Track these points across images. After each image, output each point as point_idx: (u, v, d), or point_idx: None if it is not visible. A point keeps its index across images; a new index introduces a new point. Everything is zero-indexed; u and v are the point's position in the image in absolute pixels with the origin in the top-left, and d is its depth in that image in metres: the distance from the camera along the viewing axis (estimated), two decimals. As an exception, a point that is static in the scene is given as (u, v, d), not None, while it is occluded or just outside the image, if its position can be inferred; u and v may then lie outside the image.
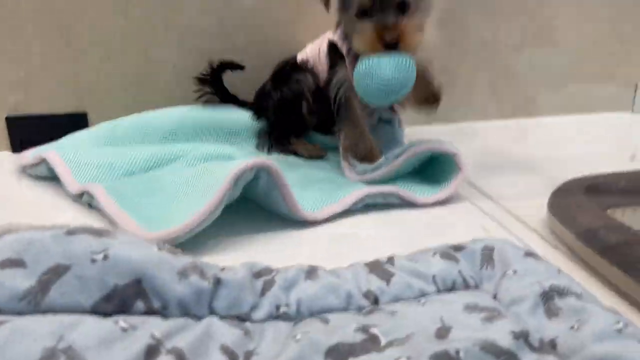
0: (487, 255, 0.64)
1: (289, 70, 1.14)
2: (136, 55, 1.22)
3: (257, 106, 1.18)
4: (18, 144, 1.16)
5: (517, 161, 1.17)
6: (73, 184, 0.89)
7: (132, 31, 1.21)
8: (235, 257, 0.66)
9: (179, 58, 1.25)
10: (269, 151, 1.13)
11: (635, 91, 1.50)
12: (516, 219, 0.88)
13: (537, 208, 0.87)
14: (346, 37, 0.98)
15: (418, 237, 0.81)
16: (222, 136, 1.15)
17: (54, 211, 0.88)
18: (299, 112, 1.11)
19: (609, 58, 1.48)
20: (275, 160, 0.99)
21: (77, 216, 0.85)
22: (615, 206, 0.82)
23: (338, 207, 0.86)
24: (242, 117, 1.18)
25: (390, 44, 0.85)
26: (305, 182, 0.92)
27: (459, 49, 1.38)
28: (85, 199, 0.87)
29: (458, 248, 0.65)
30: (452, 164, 0.92)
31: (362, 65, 0.86)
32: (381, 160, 0.94)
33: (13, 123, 1.18)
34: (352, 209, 0.87)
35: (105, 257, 0.48)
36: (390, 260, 0.64)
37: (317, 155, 1.12)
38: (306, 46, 1.17)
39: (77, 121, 1.21)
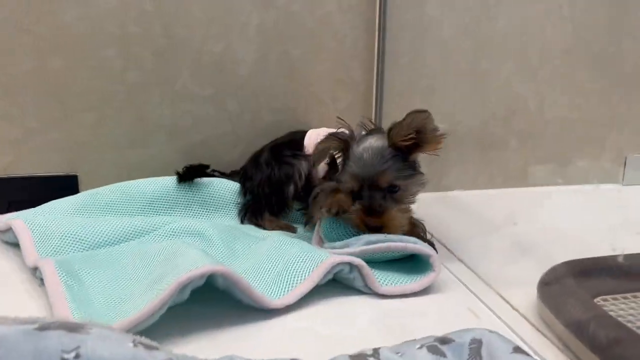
0: (475, 350, 0.62)
1: (287, 150, 1.16)
2: (130, 119, 1.23)
3: (245, 177, 1.18)
4: (5, 206, 1.15)
5: (507, 235, 1.16)
6: (30, 256, 0.88)
7: (127, 96, 1.22)
8: (206, 347, 0.64)
9: (172, 122, 1.26)
10: (242, 222, 1.13)
11: (625, 164, 1.52)
12: (505, 304, 0.86)
13: (528, 291, 0.85)
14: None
15: (405, 319, 0.79)
16: (203, 208, 1.14)
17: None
18: (282, 194, 1.12)
19: (599, 130, 1.50)
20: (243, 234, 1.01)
21: (18, 298, 0.82)
22: (606, 293, 0.81)
23: (306, 286, 0.81)
24: (227, 189, 1.18)
25: (374, 228, 0.91)
26: (271, 261, 0.88)
27: (449, 117, 1.40)
28: (38, 274, 0.84)
29: (445, 341, 0.64)
30: (426, 262, 0.88)
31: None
32: (351, 239, 0.92)
33: (1, 184, 1.17)
34: (320, 284, 0.83)
35: (77, 356, 0.47)
36: (376, 352, 0.62)
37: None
38: (309, 133, 1.17)
39: (67, 183, 1.20)
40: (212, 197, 1.15)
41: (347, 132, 0.95)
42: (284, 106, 1.31)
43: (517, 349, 0.62)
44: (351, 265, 0.84)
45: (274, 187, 1.12)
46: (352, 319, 0.80)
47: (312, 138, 1.15)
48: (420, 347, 0.62)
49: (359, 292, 0.86)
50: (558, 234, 1.13)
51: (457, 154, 1.42)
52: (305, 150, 1.14)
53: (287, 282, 0.82)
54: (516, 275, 0.96)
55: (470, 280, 0.93)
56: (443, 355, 0.62)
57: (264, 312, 0.78)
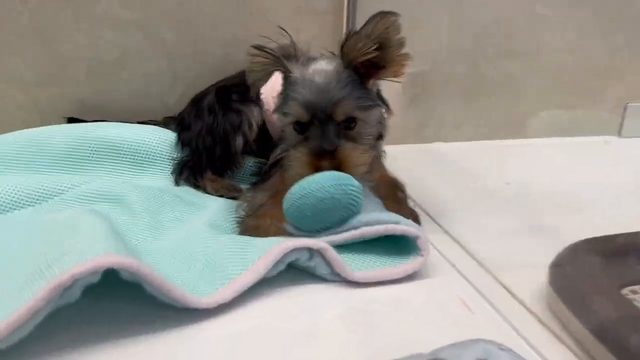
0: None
1: (236, 93, 0.94)
2: (36, 49, 0.99)
3: (182, 125, 0.96)
4: None
5: (502, 200, 0.97)
6: None
7: (31, 19, 0.97)
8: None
9: (92, 55, 1.02)
10: (177, 183, 0.91)
11: (624, 113, 1.34)
12: (507, 293, 0.68)
13: (535, 276, 0.68)
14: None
15: (381, 312, 0.60)
16: (128, 164, 0.92)
17: None
18: (227, 147, 0.91)
19: (598, 76, 1.31)
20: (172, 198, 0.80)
21: None
22: (636, 283, 0.63)
23: (249, 279, 0.60)
24: (159, 140, 0.95)
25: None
26: (203, 244, 0.68)
27: (432, 54, 1.19)
28: None
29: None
30: (409, 241, 0.69)
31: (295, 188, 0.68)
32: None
33: None
34: (268, 276, 0.62)
35: None
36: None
37: (228, 196, 0.88)
38: None
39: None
40: (140, 150, 0.93)
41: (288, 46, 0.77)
42: (232, 38, 1.07)
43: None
44: (310, 250, 0.64)
45: (218, 139, 0.90)
46: (315, 313, 0.60)
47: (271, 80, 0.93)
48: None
49: (324, 280, 0.66)
50: (562, 198, 0.95)
51: (439, 99, 1.22)
52: (261, 92, 0.92)
53: (222, 273, 0.61)
54: (519, 254, 0.77)
55: (461, 260, 0.74)
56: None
57: (196, 312, 0.58)
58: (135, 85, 1.05)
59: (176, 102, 1.06)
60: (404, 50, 0.71)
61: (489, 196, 0.99)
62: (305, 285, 0.65)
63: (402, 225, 0.67)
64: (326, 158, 0.71)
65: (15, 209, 0.77)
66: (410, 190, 0.85)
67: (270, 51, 0.75)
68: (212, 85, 0.98)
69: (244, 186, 0.91)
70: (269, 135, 0.93)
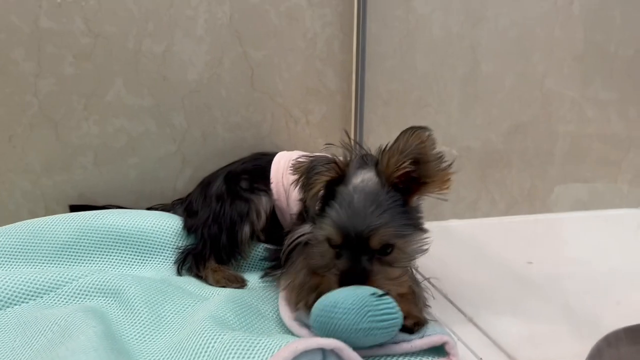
0: None
1: (245, 180, 0.92)
2: (45, 138, 0.99)
3: (189, 212, 0.93)
4: None
5: (524, 282, 0.92)
6: None
7: (41, 109, 0.97)
8: None
9: (101, 142, 1.01)
10: (179, 272, 0.88)
11: (645, 184, 1.30)
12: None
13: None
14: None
15: None
16: (130, 254, 0.89)
17: None
18: (233, 236, 0.87)
19: (615, 147, 1.28)
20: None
21: None
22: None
23: None
24: (165, 227, 0.92)
25: None
26: (203, 346, 0.61)
27: (443, 132, 1.17)
28: None
29: None
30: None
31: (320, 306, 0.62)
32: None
33: None
34: None
35: None
36: None
37: (230, 287, 0.83)
38: (278, 158, 0.93)
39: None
40: (144, 239, 0.90)
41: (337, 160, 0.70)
42: (243, 121, 1.06)
43: None
44: (324, 352, 0.59)
45: (225, 227, 0.87)
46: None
47: (282, 164, 0.92)
48: None
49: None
50: (590, 278, 0.89)
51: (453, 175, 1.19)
52: (271, 181, 0.90)
53: None
54: (550, 344, 0.71)
55: (489, 353, 0.69)
56: None
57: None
58: (144, 170, 1.04)
59: (185, 185, 1.05)
60: (444, 163, 0.66)
61: (510, 278, 0.94)
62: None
63: (428, 338, 0.63)
64: (355, 284, 0.64)
65: (16, 304, 0.73)
66: (428, 272, 0.80)
67: (341, 164, 0.69)
68: (222, 169, 0.97)
69: (249, 275, 0.87)
70: (278, 224, 0.90)
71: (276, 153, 0.94)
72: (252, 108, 1.06)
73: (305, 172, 0.69)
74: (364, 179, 0.68)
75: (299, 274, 0.73)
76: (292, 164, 0.71)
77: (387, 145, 0.66)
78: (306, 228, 0.76)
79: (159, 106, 1.02)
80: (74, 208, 0.99)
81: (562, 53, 1.21)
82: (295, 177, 0.70)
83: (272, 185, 0.89)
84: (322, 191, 0.68)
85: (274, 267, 0.82)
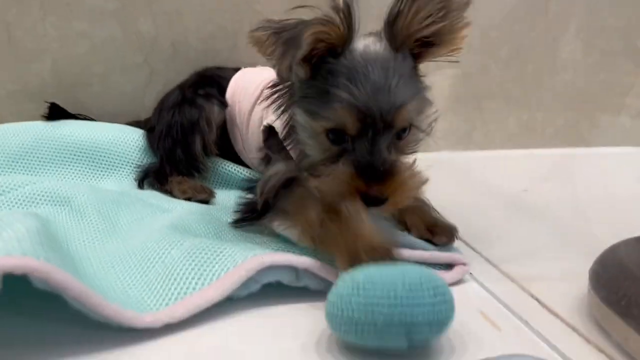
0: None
1: (201, 87, 0.83)
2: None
3: (148, 127, 0.86)
4: None
5: (525, 207, 0.85)
6: None
7: None
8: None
9: (60, 46, 0.91)
10: (141, 186, 0.81)
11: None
12: (538, 306, 0.55)
13: (570, 283, 0.56)
14: (291, 132, 0.63)
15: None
16: (92, 165, 0.81)
17: None
18: (187, 149, 0.80)
19: (621, 80, 1.20)
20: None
21: None
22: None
23: (210, 295, 0.47)
24: (126, 142, 0.85)
25: (374, 201, 0.53)
26: (160, 251, 0.55)
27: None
28: None
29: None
30: None
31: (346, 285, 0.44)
32: None
33: None
34: (236, 296, 0.50)
35: None
36: None
37: (197, 199, 0.76)
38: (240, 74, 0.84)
39: None
40: (106, 152, 0.83)
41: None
42: (218, 30, 0.96)
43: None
44: (297, 270, 0.51)
45: (177, 140, 0.80)
46: (299, 330, 0.48)
47: (244, 79, 0.82)
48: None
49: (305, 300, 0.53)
50: (588, 203, 0.82)
51: (447, 104, 1.10)
52: (227, 95, 0.81)
53: (178, 287, 0.49)
54: (548, 263, 0.65)
55: (482, 270, 0.62)
56: None
57: (147, 331, 0.45)
58: (108, 82, 0.94)
59: (154, 101, 0.94)
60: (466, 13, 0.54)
61: (505, 204, 0.87)
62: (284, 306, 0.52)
63: (445, 253, 0.59)
64: (376, 182, 0.53)
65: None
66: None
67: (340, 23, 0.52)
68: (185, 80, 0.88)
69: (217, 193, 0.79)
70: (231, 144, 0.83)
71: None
72: (228, 15, 0.96)
73: (289, 28, 0.52)
74: (367, 44, 0.55)
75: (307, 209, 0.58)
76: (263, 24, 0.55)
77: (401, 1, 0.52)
78: (280, 166, 0.63)
79: (125, 9, 0.92)
80: (53, 107, 0.89)
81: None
82: (270, 41, 0.53)
83: (227, 95, 0.81)
84: (315, 57, 0.53)
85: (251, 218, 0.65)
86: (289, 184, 0.60)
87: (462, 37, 0.55)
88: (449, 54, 0.56)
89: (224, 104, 0.81)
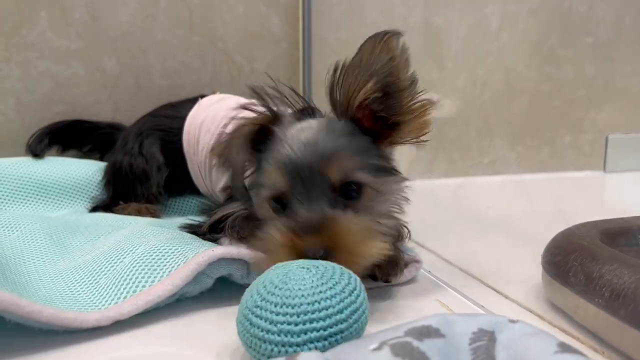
0: (483, 349, 0.30)
1: (142, 143, 0.82)
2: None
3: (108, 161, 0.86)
4: None
5: (488, 221, 0.87)
6: None
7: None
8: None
9: (24, 86, 0.92)
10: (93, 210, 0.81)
11: (606, 146, 1.26)
12: (495, 294, 0.56)
13: (526, 274, 0.58)
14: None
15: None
16: (45, 199, 0.80)
17: None
18: (134, 190, 0.80)
19: (573, 105, 1.25)
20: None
21: None
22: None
23: (160, 291, 0.47)
24: (84, 174, 0.84)
25: (314, 253, 0.46)
26: (112, 258, 0.54)
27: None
28: None
29: (425, 333, 0.31)
30: None
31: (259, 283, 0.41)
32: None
33: None
34: (189, 293, 0.50)
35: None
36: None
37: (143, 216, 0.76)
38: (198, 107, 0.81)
39: None
40: (59, 185, 0.81)
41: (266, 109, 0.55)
42: (181, 66, 0.99)
43: (565, 347, 0.31)
44: (248, 265, 0.52)
45: (129, 182, 0.80)
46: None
47: (201, 117, 0.77)
48: (379, 348, 0.30)
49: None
50: (543, 217, 0.84)
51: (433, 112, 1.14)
52: (185, 131, 0.78)
53: (128, 286, 0.48)
54: (505, 260, 0.67)
55: (440, 268, 0.63)
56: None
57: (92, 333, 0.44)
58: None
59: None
60: (420, 95, 0.51)
61: (470, 219, 0.88)
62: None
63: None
64: (311, 234, 0.47)
65: None
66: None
67: (265, 110, 0.54)
68: (143, 117, 0.87)
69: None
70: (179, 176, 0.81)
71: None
72: (190, 53, 0.99)
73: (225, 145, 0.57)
74: (310, 122, 0.54)
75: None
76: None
77: (343, 62, 0.50)
78: (235, 206, 0.60)
79: (88, 49, 0.94)
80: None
81: (516, 7, 1.18)
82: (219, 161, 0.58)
83: (184, 137, 0.79)
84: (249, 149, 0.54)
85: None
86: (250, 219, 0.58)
87: (424, 123, 0.52)
88: (415, 140, 0.53)
89: (166, 164, 0.80)
